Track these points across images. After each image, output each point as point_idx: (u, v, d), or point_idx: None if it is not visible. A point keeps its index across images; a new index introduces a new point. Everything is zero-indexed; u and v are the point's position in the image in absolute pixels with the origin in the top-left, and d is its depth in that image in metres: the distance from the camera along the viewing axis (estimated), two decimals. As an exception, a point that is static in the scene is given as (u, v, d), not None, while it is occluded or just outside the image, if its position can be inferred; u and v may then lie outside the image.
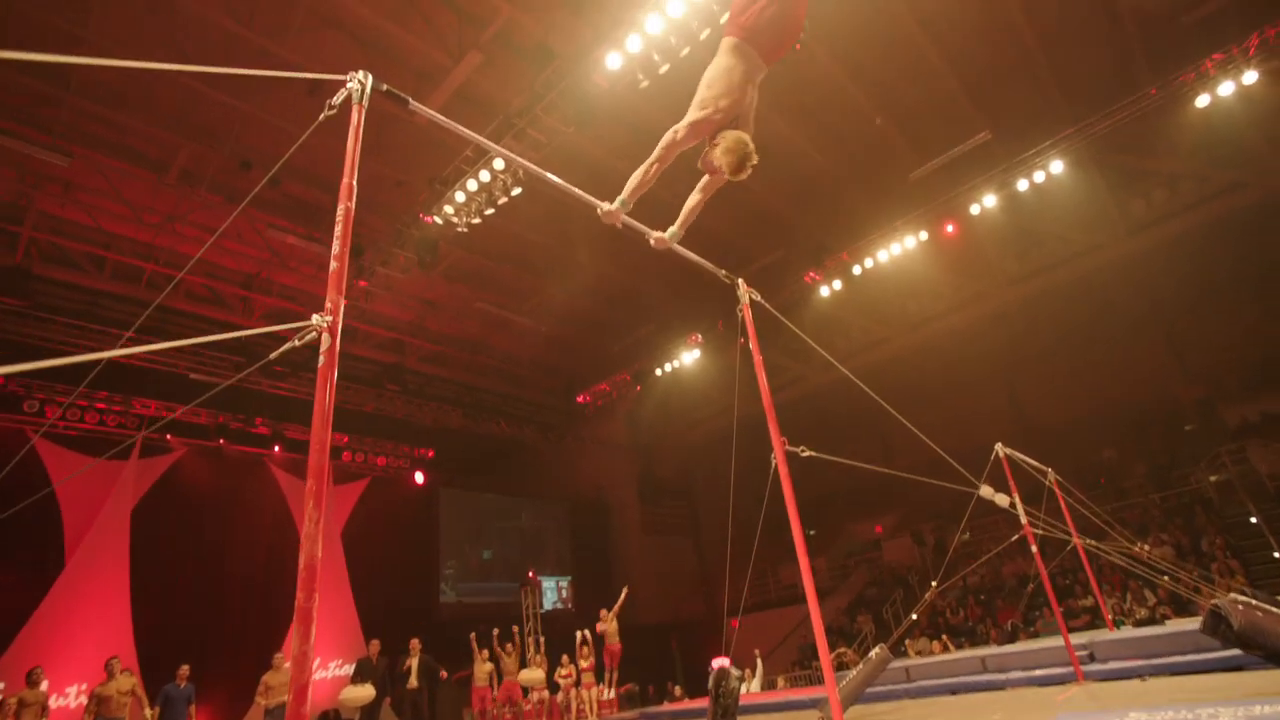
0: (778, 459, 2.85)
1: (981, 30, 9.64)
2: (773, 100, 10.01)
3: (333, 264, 1.69)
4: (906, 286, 13.90)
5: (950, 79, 10.27)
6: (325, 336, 1.55)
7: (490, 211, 9.32)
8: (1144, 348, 15.53)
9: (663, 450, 18.93)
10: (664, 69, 7.46)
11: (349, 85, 1.95)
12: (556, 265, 12.73)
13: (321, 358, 1.55)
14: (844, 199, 12.21)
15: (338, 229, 1.71)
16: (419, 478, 14.99)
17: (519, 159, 2.81)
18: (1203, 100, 9.93)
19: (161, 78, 8.55)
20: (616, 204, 3.21)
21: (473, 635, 10.73)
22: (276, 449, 12.97)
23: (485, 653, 10.61)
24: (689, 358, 14.58)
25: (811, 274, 12.82)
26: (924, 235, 11.81)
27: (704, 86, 3.16)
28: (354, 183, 1.81)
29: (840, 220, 12.50)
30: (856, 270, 12.52)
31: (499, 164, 8.68)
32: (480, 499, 16.32)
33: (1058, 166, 10.89)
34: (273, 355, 1.59)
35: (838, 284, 12.83)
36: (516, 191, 9.01)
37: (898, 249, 12.02)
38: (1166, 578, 8.43)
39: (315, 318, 1.53)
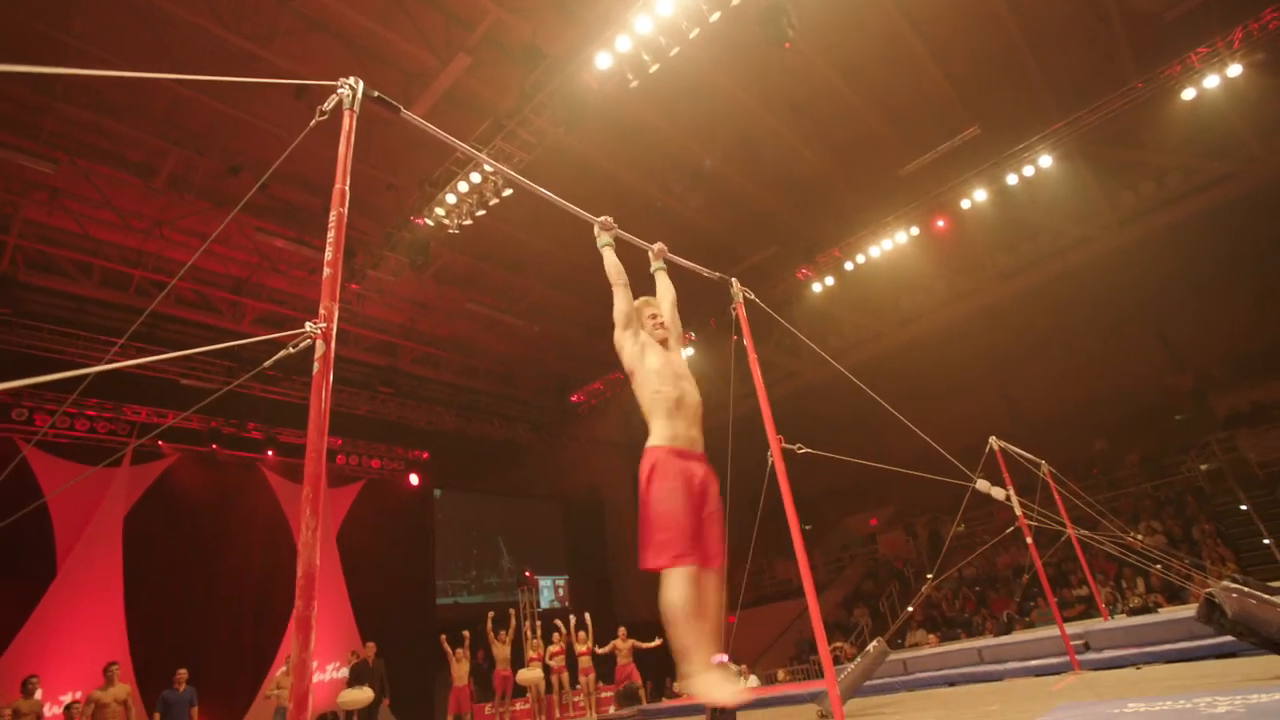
0: (774, 457, 2.86)
1: (968, 27, 9.68)
2: (763, 98, 10.04)
3: (326, 270, 1.68)
4: (899, 282, 13.95)
5: (938, 75, 10.31)
6: (319, 344, 1.55)
7: (481, 213, 9.30)
8: (1135, 339, 15.64)
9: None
10: (654, 68, 7.46)
11: (340, 91, 1.94)
12: (548, 265, 12.72)
13: (316, 365, 1.55)
14: (835, 195, 12.25)
15: (330, 234, 1.70)
16: (414, 479, 14.95)
17: (504, 169, 2.82)
18: (1189, 93, 10.05)
19: (149, 83, 8.50)
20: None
21: (443, 637, 10.68)
22: (270, 453, 12.90)
23: (460, 652, 10.52)
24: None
25: (804, 270, 12.86)
26: (915, 230, 11.87)
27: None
28: (346, 188, 1.81)
29: (832, 216, 12.53)
30: (849, 266, 12.57)
31: (488, 166, 8.65)
32: (476, 500, 16.30)
33: (1046, 160, 10.97)
34: (267, 363, 1.58)
35: (830, 280, 12.88)
36: (507, 193, 8.99)
37: (889, 244, 12.07)
38: (1159, 566, 8.51)
39: (309, 325, 1.52)
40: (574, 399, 16.59)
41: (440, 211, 9.30)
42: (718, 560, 2.71)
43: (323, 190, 10.08)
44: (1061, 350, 16.20)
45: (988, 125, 11.23)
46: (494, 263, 12.56)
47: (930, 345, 15.10)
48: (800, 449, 3.09)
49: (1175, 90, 10.12)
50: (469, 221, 9.37)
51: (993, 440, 5.98)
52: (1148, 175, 12.62)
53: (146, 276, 10.92)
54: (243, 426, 12.56)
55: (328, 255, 1.67)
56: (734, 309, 3.27)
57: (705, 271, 3.44)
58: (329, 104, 1.94)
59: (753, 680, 11.95)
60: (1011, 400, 17.24)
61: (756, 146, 10.82)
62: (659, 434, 2.83)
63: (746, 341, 3.16)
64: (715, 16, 6.98)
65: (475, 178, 8.89)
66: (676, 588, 2.43)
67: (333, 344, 1.57)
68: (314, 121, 1.95)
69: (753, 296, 3.38)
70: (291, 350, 1.52)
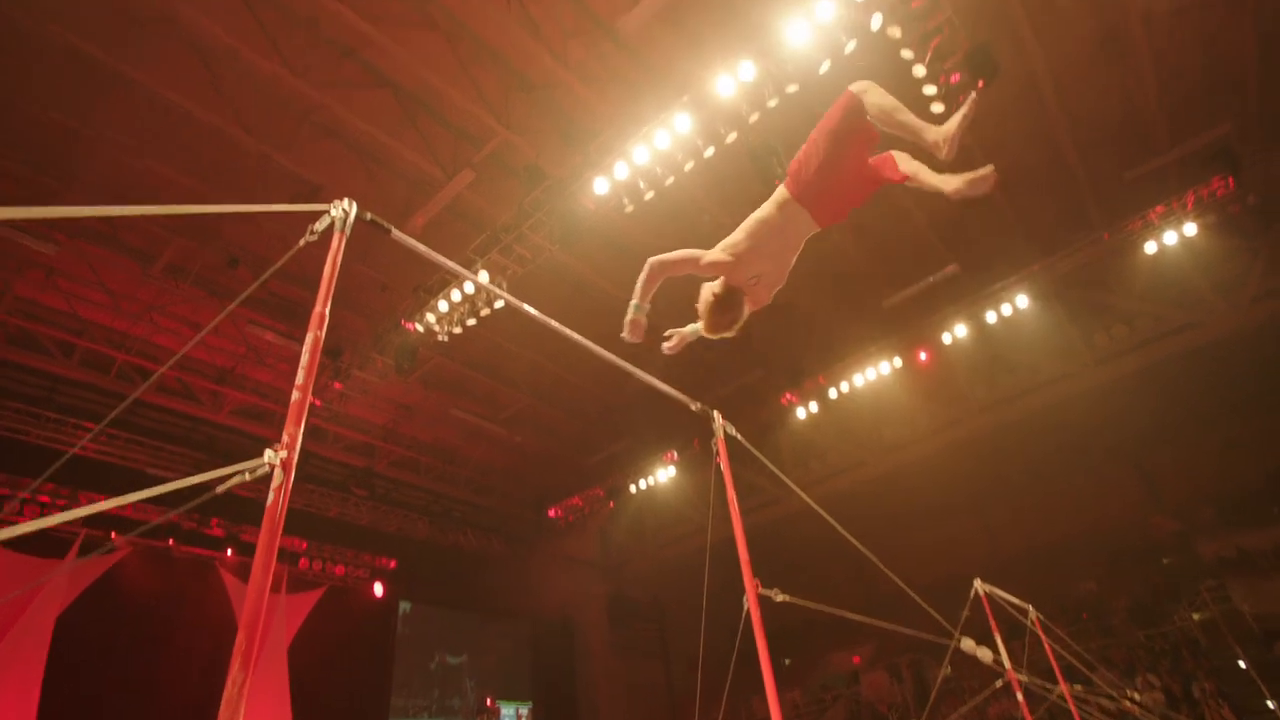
0: (750, 604, 2.72)
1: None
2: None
3: (294, 394, 1.62)
4: (882, 411, 14.05)
5: (919, 215, 10.85)
6: (278, 473, 1.46)
7: (472, 322, 9.40)
8: (1116, 478, 15.63)
9: (634, 569, 18.27)
10: (649, 195, 7.81)
11: (332, 213, 1.96)
12: (534, 377, 12.75)
13: (271, 495, 1.46)
14: (820, 323, 12.56)
15: (304, 357, 1.66)
16: (378, 589, 14.21)
17: (495, 289, 2.86)
18: (1151, 247, 10.64)
19: (156, 174, 8.76)
20: (631, 311, 3.19)
21: None
22: (229, 552, 12.29)
23: None
24: (664, 475, 14.40)
25: (789, 395, 12.97)
26: (898, 361, 12.09)
27: (740, 229, 3.12)
28: (326, 312, 1.79)
29: (817, 344, 12.79)
30: (833, 393, 12.70)
31: (484, 276, 8.85)
32: (440, 615, 15.45)
33: (1023, 300, 11.37)
34: (219, 489, 1.49)
35: (814, 406, 12.97)
36: (499, 304, 9.13)
37: (873, 374, 12.26)
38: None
39: (268, 453, 1.45)
40: (551, 514, 16.14)
41: (431, 318, 9.40)
42: None
43: (313, 284, 10.19)
44: (1043, 486, 16.13)
45: (967, 263, 11.73)
46: (482, 370, 12.58)
47: (913, 475, 15.01)
48: (778, 596, 2.94)
49: (1138, 243, 10.71)
50: (459, 330, 9.46)
51: (977, 584, 5.80)
52: (1119, 318, 13.07)
53: (129, 360, 10.81)
54: (205, 522, 12.03)
55: (298, 379, 1.62)
56: (715, 444, 3.22)
57: (689, 403, 3.42)
58: (320, 225, 1.96)
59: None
60: (993, 533, 16.96)
61: (745, 272, 11.16)
62: None
63: (726, 481, 3.08)
64: (709, 152, 7.40)
65: (468, 288, 9.05)
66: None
67: (292, 474, 1.49)
68: (303, 241, 1.96)
69: (734, 433, 3.34)
70: (247, 478, 1.43)
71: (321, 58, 7.97)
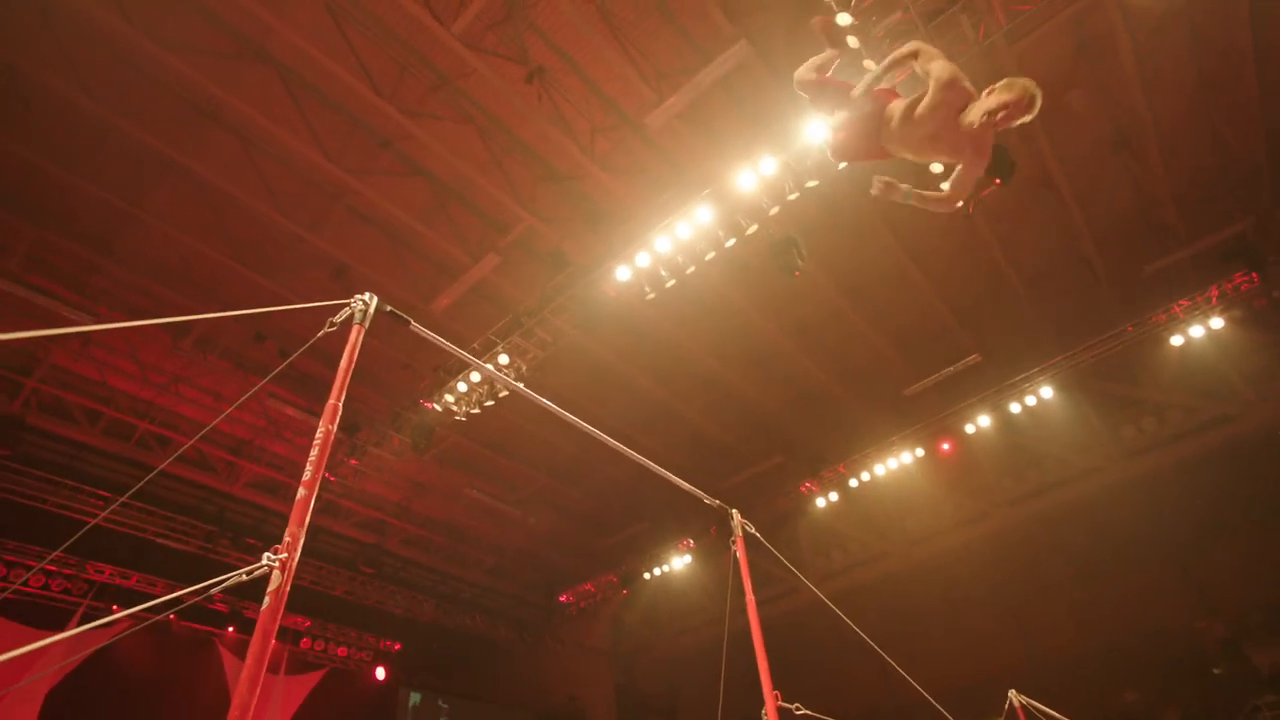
0: (769, 717, 2.56)
1: (964, 262, 10.39)
2: (774, 315, 10.56)
3: (300, 491, 1.59)
4: (905, 502, 13.70)
5: (939, 304, 10.88)
6: (276, 575, 1.42)
7: (490, 403, 9.44)
8: (1157, 578, 14.83)
9: (647, 659, 17.52)
10: (670, 283, 7.94)
11: (353, 305, 2.00)
12: (551, 456, 12.65)
13: (267, 599, 1.41)
14: (841, 411, 12.43)
15: (313, 452, 1.64)
16: (380, 673, 13.70)
17: (504, 378, 2.86)
18: (1177, 340, 10.55)
19: (197, 251, 9.10)
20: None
21: None
22: (231, 629, 11.99)
23: None
24: (680, 562, 14.01)
25: (808, 484, 12.73)
26: (920, 452, 11.87)
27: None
28: (339, 404, 1.78)
29: (838, 432, 12.63)
30: (853, 483, 12.46)
31: (504, 359, 8.94)
32: (442, 702, 14.80)
33: (1048, 391, 11.23)
34: (215, 590, 1.44)
35: (834, 496, 12.70)
36: (518, 386, 9.17)
37: (894, 464, 12.04)
38: None
39: (267, 556, 1.41)
40: (562, 599, 15.67)
41: (449, 398, 9.46)
42: None
43: (336, 363, 10.34)
44: (1078, 584, 15.35)
45: (989, 353, 11.65)
46: (498, 450, 12.52)
47: (938, 570, 14.43)
48: (798, 710, 2.78)
49: (1164, 336, 10.64)
50: (477, 410, 9.49)
51: (1012, 695, 5.44)
52: (1148, 411, 12.79)
53: (150, 430, 10.92)
54: (209, 596, 11.75)
55: (305, 474, 1.60)
56: (733, 543, 3.12)
57: (705, 498, 3.34)
58: (340, 317, 1.99)
59: None
60: (1026, 633, 16.06)
61: (766, 359, 11.20)
62: None
63: (745, 585, 2.97)
64: (730, 242, 7.56)
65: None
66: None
67: (291, 575, 1.44)
68: (322, 332, 1.99)
69: (752, 530, 3.24)
70: (245, 579, 1.39)
71: (359, 146, 8.39)
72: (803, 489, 12.79)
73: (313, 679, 12.78)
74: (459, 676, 15.27)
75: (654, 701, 17.71)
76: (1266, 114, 8.74)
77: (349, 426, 10.59)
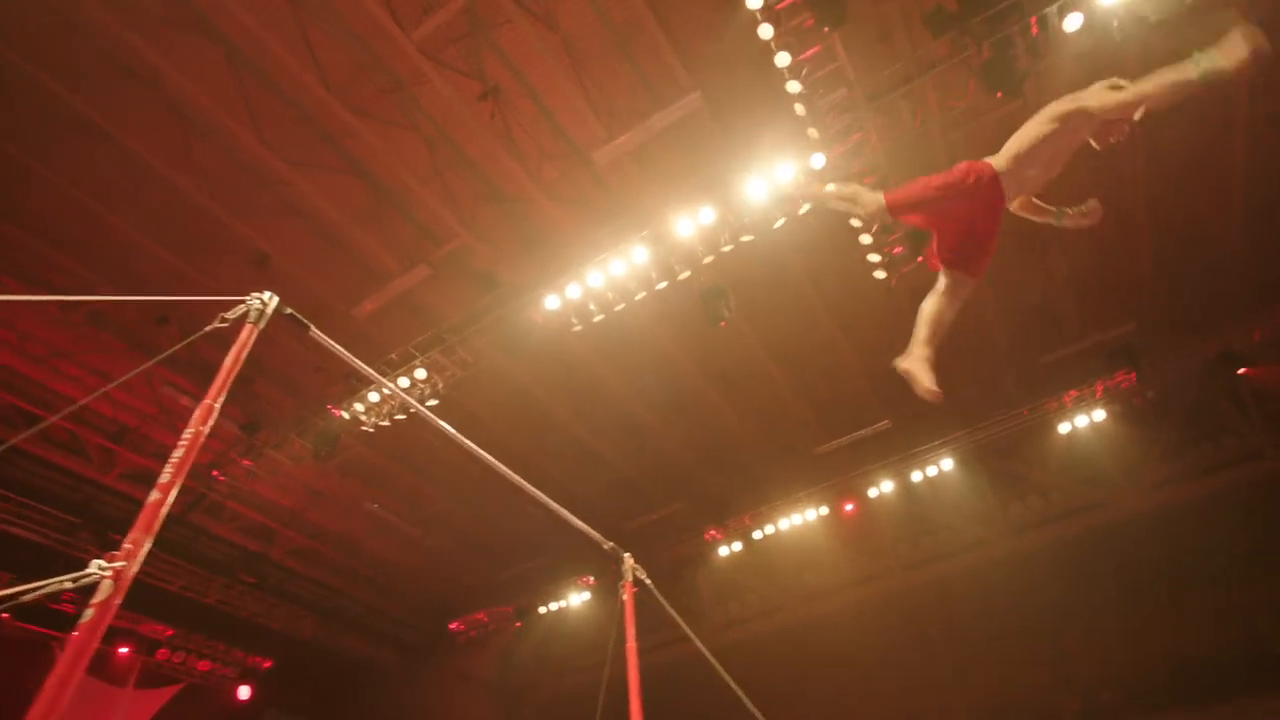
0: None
1: (888, 333, 10.79)
2: (698, 361, 10.69)
3: (153, 494, 1.47)
4: (805, 557, 13.96)
5: (858, 370, 11.29)
6: (107, 584, 1.29)
7: (401, 417, 9.14)
8: (1027, 651, 15.55)
9: (534, 697, 17.00)
10: (598, 318, 7.97)
11: (248, 303, 1.89)
12: (458, 480, 12.28)
13: (89, 612, 1.26)
14: (752, 463, 12.64)
15: (176, 452, 1.52)
16: (243, 693, 12.76)
17: (408, 397, 2.77)
18: (1064, 427, 11.35)
19: (104, 221, 8.52)
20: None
21: None
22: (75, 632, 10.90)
23: None
24: (578, 599, 13.80)
25: (713, 531, 12.84)
26: (824, 510, 12.19)
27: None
28: (217, 406, 1.68)
29: (746, 483, 12.82)
30: (757, 535, 12.65)
31: (421, 374, 8.70)
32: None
33: (948, 463, 11.80)
34: (27, 597, 1.29)
35: (737, 545, 12.85)
36: (432, 403, 8.94)
37: (798, 519, 12.30)
38: None
39: (97, 563, 1.27)
40: (453, 626, 15.09)
41: (359, 407, 9.10)
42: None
43: (253, 362, 9.81)
44: (959, 651, 15.92)
45: (898, 421, 12.13)
46: (405, 466, 12.06)
47: (832, 627, 14.69)
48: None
49: (1054, 422, 11.46)
50: (386, 423, 9.16)
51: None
52: (1035, 490, 13.56)
53: (14, 403, 9.99)
54: (54, 595, 10.72)
55: (164, 476, 1.48)
56: (622, 588, 3.09)
57: (601, 540, 3.30)
58: (234, 314, 1.88)
59: None
60: (908, 694, 16.50)
61: (685, 404, 11.31)
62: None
63: (628, 631, 2.93)
64: (662, 285, 7.67)
65: (403, 382, 8.86)
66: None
67: (125, 589, 1.31)
68: (211, 327, 1.88)
69: (644, 577, 3.22)
70: (70, 586, 1.25)
71: (299, 138, 8.11)
72: (707, 536, 12.89)
73: (165, 694, 11.75)
74: (333, 701, 14.41)
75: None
76: (1152, 231, 9.59)
77: (249, 426, 10.00)
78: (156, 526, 1.42)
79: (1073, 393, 11.22)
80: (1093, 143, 3.33)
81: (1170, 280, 10.29)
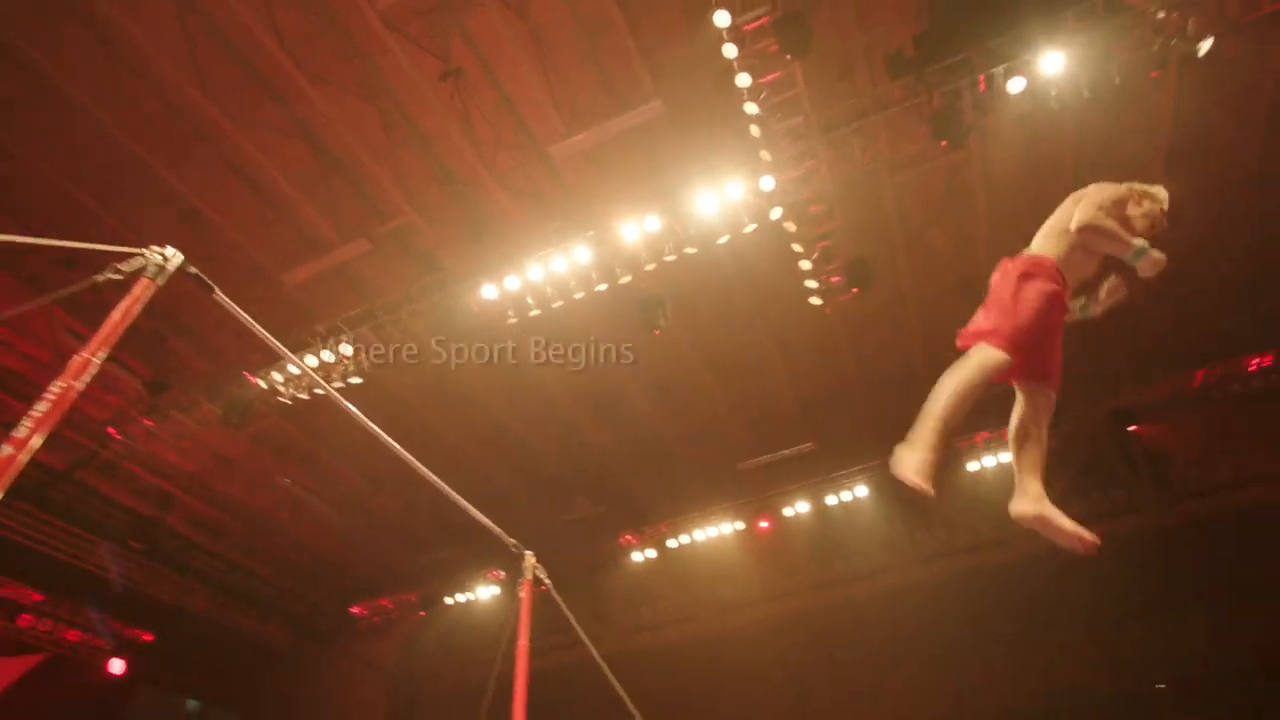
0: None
1: (821, 359, 11.11)
2: (632, 368, 10.67)
3: (4, 448, 1.37)
4: (718, 570, 14.19)
5: (789, 391, 11.56)
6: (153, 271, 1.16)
7: (321, 391, 8.83)
8: (922, 678, 16.18)
9: (434, 687, 16.65)
10: (534, 313, 7.92)
11: (147, 257, 1.79)
12: (375, 463, 11.96)
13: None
14: (675, 471, 12.75)
15: (40, 406, 1.43)
16: (116, 666, 11.95)
17: (322, 381, 2.68)
18: (973, 465, 11.87)
19: (23, 162, 7.98)
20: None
21: None
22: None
23: None
24: (486, 593, 13.64)
25: (629, 536, 12.91)
26: (740, 525, 12.43)
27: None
28: (95, 361, 1.59)
29: (667, 490, 12.93)
30: (672, 543, 12.80)
31: (347, 349, 8.44)
32: (187, 710, 13.21)
33: (863, 490, 12.20)
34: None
35: (652, 552, 12.96)
36: (356, 381, 8.68)
37: (715, 531, 12.50)
38: None
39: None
40: (355, 611, 14.66)
41: (278, 378, 8.76)
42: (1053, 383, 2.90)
43: (166, 315, 9.34)
44: (859, 674, 16.43)
45: (822, 444, 12.46)
46: (322, 442, 11.64)
47: (740, 641, 14.92)
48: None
49: (964, 459, 11.97)
50: (305, 396, 8.85)
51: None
52: (941, 523, 14.15)
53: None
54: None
55: (20, 429, 1.38)
56: (520, 586, 3.07)
57: (503, 536, 3.28)
58: (129, 266, 1.78)
59: None
60: (815, 714, 16.91)
61: (615, 407, 11.32)
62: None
63: (522, 627, 2.92)
64: (602, 287, 7.68)
65: (328, 356, 8.58)
66: (979, 366, 2.70)
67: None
68: (103, 277, 1.78)
69: (544, 577, 3.21)
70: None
71: (246, 94, 7.76)
72: (622, 540, 12.96)
73: (24, 663, 10.89)
74: (222, 679, 13.76)
75: (432, 733, 16.83)
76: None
77: (155, 384, 9.46)
78: (6, 483, 1.33)
79: (984, 434, 11.77)
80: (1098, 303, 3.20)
81: (1082, 342, 10.91)
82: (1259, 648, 10.73)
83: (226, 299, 2.06)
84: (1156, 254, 2.83)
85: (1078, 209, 3.02)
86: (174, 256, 1.84)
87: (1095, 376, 11.13)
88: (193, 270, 1.93)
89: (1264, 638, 10.68)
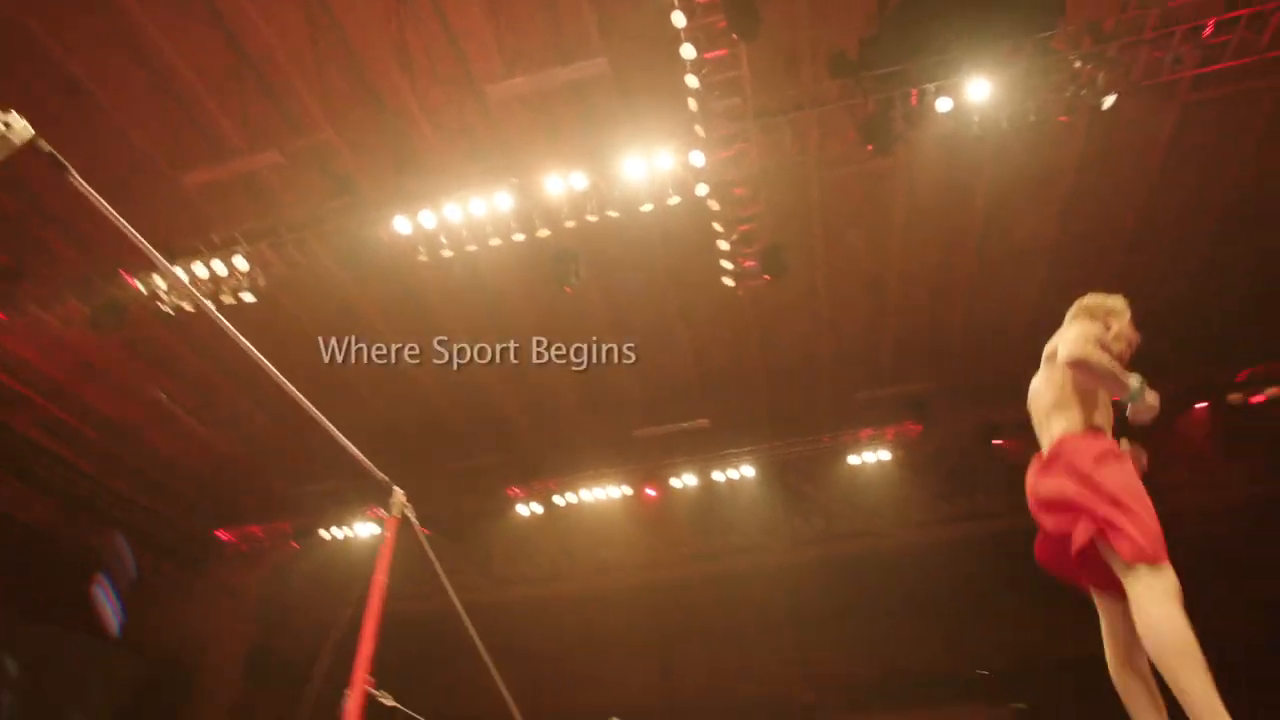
0: (350, 701, 2.52)
1: (726, 339, 11.38)
2: (541, 318, 10.59)
3: None
4: (602, 532, 14.49)
5: (692, 366, 11.78)
6: None
7: (208, 303, 8.30)
8: (777, 649, 17.24)
9: (300, 621, 16.24)
10: (446, 253, 7.70)
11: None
12: (262, 384, 11.38)
13: None
14: (571, 430, 12.84)
15: None
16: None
17: (203, 300, 2.53)
18: (854, 459, 12.60)
19: None
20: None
21: None
22: None
23: None
24: (364, 530, 13.38)
25: (515, 489, 12.97)
26: (628, 490, 12.71)
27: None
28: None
29: (560, 449, 13.02)
30: (559, 501, 12.95)
31: (242, 264, 7.94)
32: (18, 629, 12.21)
33: (750, 470, 12.71)
34: None
35: (538, 508, 13.08)
36: (249, 298, 8.20)
37: (602, 494, 12.74)
38: None
39: None
40: (222, 536, 14.05)
41: (161, 283, 8.15)
42: None
43: (31, 199, 8.48)
44: (721, 644, 17.30)
45: (717, 422, 12.84)
46: (205, 358, 10.93)
47: (613, 602, 15.38)
48: (386, 699, 2.76)
49: (846, 452, 12.70)
50: (190, 308, 8.29)
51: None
52: (818, 511, 14.97)
53: None
54: None
55: None
56: (384, 523, 3.04)
57: (374, 471, 3.23)
58: (-34, 131, 1.59)
59: None
60: (670, 679, 17.67)
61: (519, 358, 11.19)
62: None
63: (381, 564, 2.90)
64: (519, 237, 7.55)
65: (220, 267, 8.03)
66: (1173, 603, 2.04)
67: None
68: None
69: (413, 517, 3.19)
70: None
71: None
72: (509, 491, 13.02)
73: None
74: (61, 601, 12.83)
75: (290, 668, 16.43)
76: (969, 310, 10.83)
77: (9, 272, 8.58)
78: None
79: (868, 431, 12.51)
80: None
81: (969, 355, 11.69)
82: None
83: (82, 182, 1.87)
84: (1152, 398, 2.54)
85: (1060, 342, 2.78)
86: (19, 125, 1.66)
87: (980, 391, 11.92)
88: (47, 148, 1.76)
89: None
